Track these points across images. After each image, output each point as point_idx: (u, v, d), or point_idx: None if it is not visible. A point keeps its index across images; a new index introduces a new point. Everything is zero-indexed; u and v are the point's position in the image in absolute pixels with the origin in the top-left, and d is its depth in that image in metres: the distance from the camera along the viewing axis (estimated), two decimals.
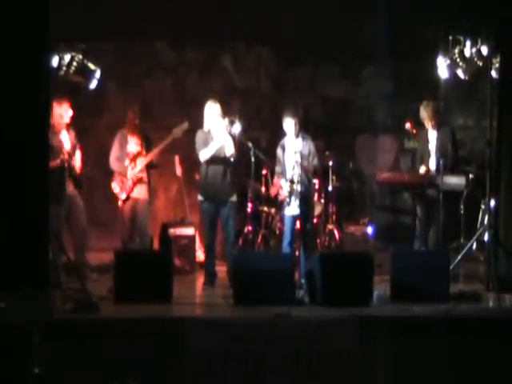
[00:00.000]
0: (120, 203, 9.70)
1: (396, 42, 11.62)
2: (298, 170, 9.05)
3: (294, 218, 9.12)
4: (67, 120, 9.35)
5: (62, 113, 9.26)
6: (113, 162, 9.76)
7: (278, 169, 9.35)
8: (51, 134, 8.92)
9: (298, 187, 9.03)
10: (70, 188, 9.28)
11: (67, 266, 8.84)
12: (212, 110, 9.17)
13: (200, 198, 9.27)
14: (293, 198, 9.05)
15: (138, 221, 9.70)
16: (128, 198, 9.66)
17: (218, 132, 9.10)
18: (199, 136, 9.20)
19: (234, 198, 9.24)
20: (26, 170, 7.73)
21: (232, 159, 9.14)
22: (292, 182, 9.04)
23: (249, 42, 12.04)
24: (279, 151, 9.31)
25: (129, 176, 9.64)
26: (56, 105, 9.15)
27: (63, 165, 9.13)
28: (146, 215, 9.78)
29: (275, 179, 9.49)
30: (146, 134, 9.89)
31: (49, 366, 6.59)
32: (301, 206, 9.04)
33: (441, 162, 9.38)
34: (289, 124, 9.21)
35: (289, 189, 9.06)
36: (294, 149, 9.15)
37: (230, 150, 9.06)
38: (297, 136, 9.21)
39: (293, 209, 9.09)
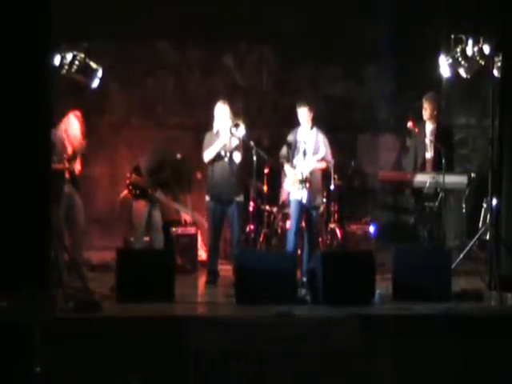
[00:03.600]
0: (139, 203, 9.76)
1: (398, 41, 11.62)
2: (308, 162, 9.08)
3: (300, 205, 9.12)
4: (77, 128, 9.36)
5: (77, 125, 9.29)
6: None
7: (283, 151, 9.35)
8: (55, 136, 8.95)
9: (305, 183, 9.06)
10: (68, 187, 9.28)
11: (68, 264, 8.85)
12: (221, 111, 9.17)
13: (207, 198, 9.27)
14: (299, 187, 9.08)
15: (154, 219, 9.77)
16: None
17: (225, 133, 9.11)
18: (207, 138, 9.22)
19: (240, 198, 9.24)
20: (27, 169, 7.73)
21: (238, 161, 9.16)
22: (301, 179, 9.07)
23: (251, 41, 12.04)
24: (291, 137, 9.31)
25: None
26: (73, 115, 9.19)
27: (64, 169, 9.17)
28: (159, 213, 9.86)
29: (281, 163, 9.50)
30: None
31: (50, 365, 6.59)
32: (308, 198, 9.06)
33: (443, 160, 9.38)
34: (302, 113, 9.24)
35: (294, 174, 9.09)
36: (305, 139, 9.18)
37: (238, 157, 9.09)
38: (311, 128, 9.26)
39: (298, 194, 9.11)
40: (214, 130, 9.21)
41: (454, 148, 10.17)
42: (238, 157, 9.14)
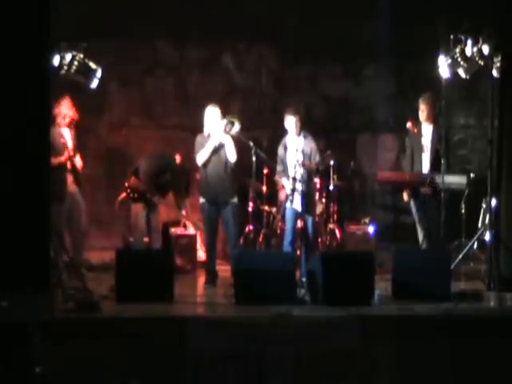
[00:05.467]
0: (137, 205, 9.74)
1: (397, 42, 11.63)
2: (299, 169, 9.08)
3: (296, 214, 9.14)
4: (68, 114, 9.34)
5: (64, 110, 9.27)
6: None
7: (279, 167, 9.37)
8: (54, 132, 8.95)
9: (299, 186, 9.06)
10: (71, 186, 9.29)
11: (67, 264, 8.85)
12: (212, 115, 9.16)
13: (201, 200, 9.26)
14: (295, 195, 9.07)
15: (153, 221, 9.76)
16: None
17: (217, 135, 9.08)
18: (198, 140, 9.19)
19: (234, 200, 9.21)
20: (27, 168, 7.73)
21: (231, 164, 9.13)
22: (294, 179, 9.06)
23: (250, 40, 12.04)
24: (281, 150, 9.32)
25: None
26: (57, 103, 9.15)
27: (66, 162, 9.16)
28: (158, 214, 9.83)
29: (277, 179, 9.50)
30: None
31: (50, 366, 6.59)
32: (302, 204, 9.06)
33: (442, 160, 9.39)
34: (290, 122, 9.23)
35: (291, 186, 9.09)
36: (295, 147, 9.16)
37: (232, 157, 9.06)
38: (298, 134, 9.24)
39: (295, 204, 9.11)
40: (205, 133, 9.19)
41: (451, 149, 10.19)
42: (232, 156, 9.11)
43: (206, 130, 9.17)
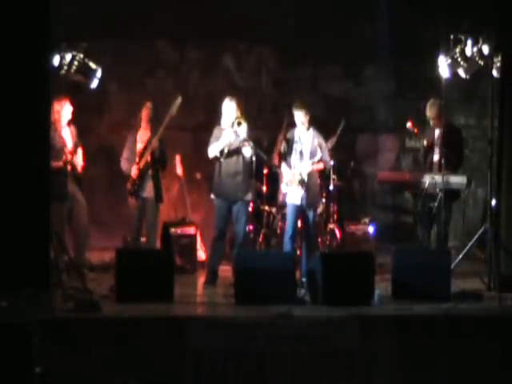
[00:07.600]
0: (130, 201, 9.64)
1: (397, 42, 11.63)
2: (305, 163, 9.08)
3: (297, 209, 9.12)
4: (68, 117, 9.35)
5: (62, 110, 9.27)
6: (122, 162, 9.69)
7: (283, 146, 9.32)
8: (54, 134, 8.95)
9: (301, 179, 9.03)
10: (72, 186, 9.29)
11: (67, 264, 8.85)
12: (227, 108, 9.16)
13: (212, 196, 9.25)
14: (297, 188, 9.05)
15: (146, 219, 9.67)
16: (137, 195, 9.59)
17: (228, 130, 9.09)
18: (214, 133, 9.19)
19: (248, 197, 9.22)
20: (27, 169, 7.73)
21: (247, 158, 9.13)
22: (301, 179, 9.04)
23: (250, 41, 12.04)
24: (289, 135, 9.28)
25: (133, 173, 9.57)
26: (56, 103, 9.15)
27: (65, 167, 9.16)
28: (153, 213, 9.73)
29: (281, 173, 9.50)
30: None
31: (50, 366, 6.59)
32: (305, 198, 9.04)
33: (443, 160, 9.39)
34: (298, 116, 9.23)
35: (290, 175, 9.07)
36: (302, 141, 9.17)
37: (248, 152, 9.07)
38: (307, 129, 9.24)
39: (295, 198, 9.10)
40: (222, 126, 9.19)
41: (463, 148, 10.21)
42: (247, 151, 9.11)
43: (223, 123, 9.17)
